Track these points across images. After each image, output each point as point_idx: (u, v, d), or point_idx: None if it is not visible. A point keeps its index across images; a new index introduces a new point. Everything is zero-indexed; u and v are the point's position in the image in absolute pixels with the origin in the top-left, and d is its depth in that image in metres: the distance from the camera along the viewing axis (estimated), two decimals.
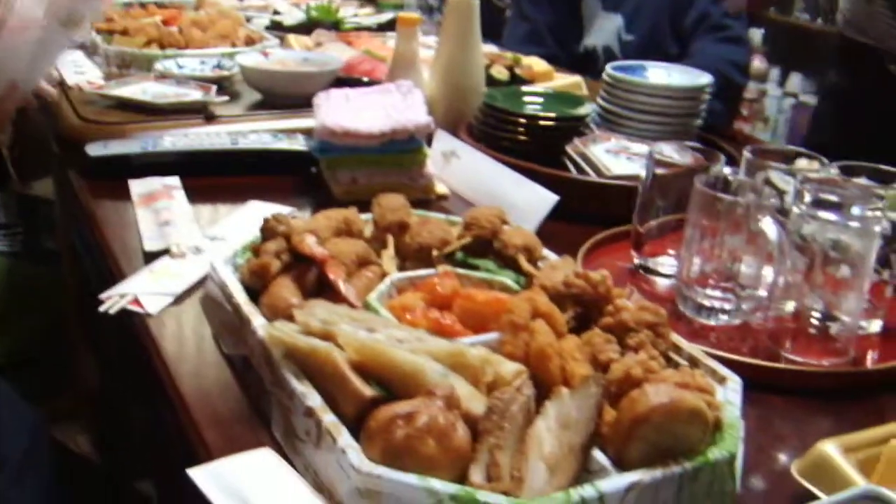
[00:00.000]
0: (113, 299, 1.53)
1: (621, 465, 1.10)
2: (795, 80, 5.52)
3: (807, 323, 1.51)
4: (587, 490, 1.04)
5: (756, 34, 5.59)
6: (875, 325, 1.64)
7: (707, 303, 1.60)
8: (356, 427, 1.10)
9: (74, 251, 2.63)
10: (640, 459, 1.10)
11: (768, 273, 1.55)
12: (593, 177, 2.05)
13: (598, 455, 1.11)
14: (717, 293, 1.60)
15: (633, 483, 1.07)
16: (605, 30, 3.41)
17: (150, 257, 1.68)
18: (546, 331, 1.22)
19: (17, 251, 3.09)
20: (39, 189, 3.34)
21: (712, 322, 1.60)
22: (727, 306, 1.60)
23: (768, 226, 1.50)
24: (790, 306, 1.51)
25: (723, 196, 1.54)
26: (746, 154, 1.71)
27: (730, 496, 1.17)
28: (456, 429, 1.06)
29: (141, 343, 1.47)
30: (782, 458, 1.29)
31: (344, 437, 1.07)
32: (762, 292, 1.57)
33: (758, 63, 5.58)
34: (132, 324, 1.51)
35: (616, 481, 1.07)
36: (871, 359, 1.59)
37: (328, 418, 1.10)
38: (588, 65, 3.32)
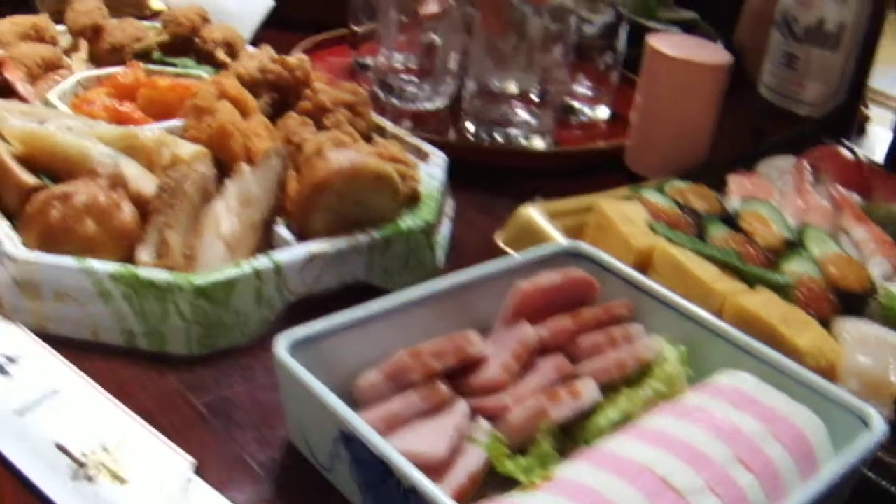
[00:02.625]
0: None
1: (305, 238, 1.05)
2: None
3: (522, 102, 1.47)
4: (261, 261, 0.98)
5: None
6: (602, 112, 1.62)
7: (406, 88, 1.56)
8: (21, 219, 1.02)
9: None
10: (325, 231, 1.05)
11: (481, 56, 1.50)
12: None
13: (282, 230, 1.06)
14: (412, 77, 1.56)
15: (314, 253, 1.02)
16: None
17: None
18: (230, 110, 1.15)
19: None
20: None
21: (412, 107, 1.56)
22: (424, 88, 1.55)
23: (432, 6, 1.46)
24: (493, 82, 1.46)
25: None
26: None
27: (428, 268, 1.12)
28: (120, 208, 0.99)
29: None
30: (490, 232, 1.24)
31: None
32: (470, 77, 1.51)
33: None
34: None
35: (294, 251, 1.01)
36: (595, 141, 1.57)
37: None
38: None
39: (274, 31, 1.74)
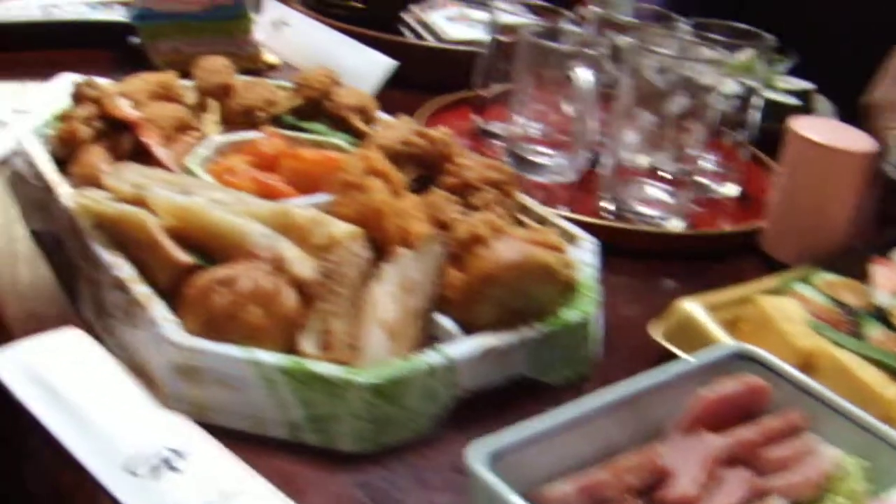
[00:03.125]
0: None
1: (469, 329, 1.01)
2: None
3: (650, 178, 1.44)
4: (434, 356, 0.94)
5: None
6: (731, 190, 1.58)
7: (538, 160, 1.52)
8: (173, 297, 0.98)
9: None
10: (490, 322, 1.01)
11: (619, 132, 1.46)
12: (432, 42, 1.94)
13: (444, 320, 1.02)
14: (546, 149, 1.52)
15: (484, 347, 0.98)
16: None
17: None
18: (381, 188, 1.11)
19: None
20: None
21: (544, 180, 1.51)
22: (559, 161, 1.51)
23: (580, 75, 1.42)
24: (635, 157, 1.42)
25: (543, 43, 1.46)
26: (594, 8, 1.61)
27: (586, 361, 1.09)
28: (283, 293, 0.95)
29: None
30: (643, 322, 1.20)
31: (157, 309, 0.96)
32: (607, 152, 1.47)
33: None
34: None
35: (465, 345, 0.98)
36: (726, 222, 1.53)
37: (139, 289, 0.98)
38: None
39: (393, 90, 1.70)
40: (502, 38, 1.61)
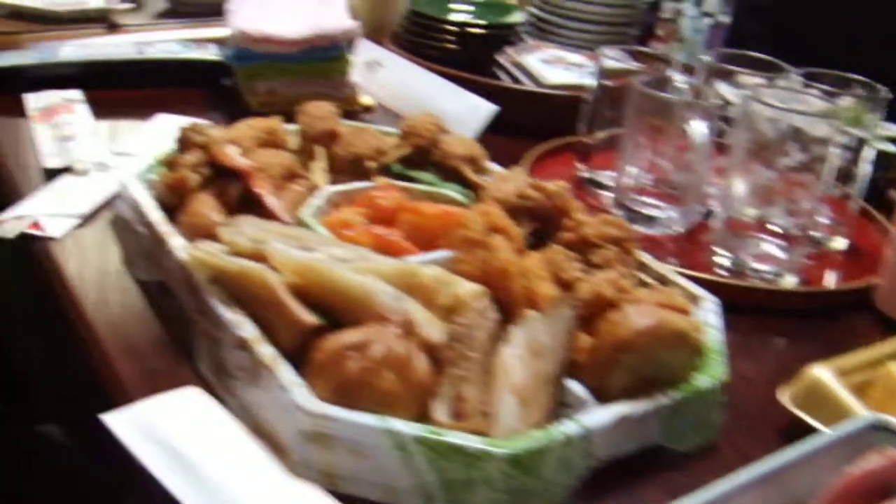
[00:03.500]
0: (9, 222, 1.36)
1: (601, 395, 0.98)
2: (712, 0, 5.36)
3: (762, 232, 1.40)
4: (570, 426, 0.92)
5: None
6: (840, 243, 1.54)
7: (648, 212, 1.48)
8: (295, 360, 0.96)
9: None
10: (623, 389, 0.98)
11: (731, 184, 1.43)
12: (531, 86, 1.91)
13: (575, 386, 0.99)
14: (655, 200, 1.48)
15: (620, 416, 0.96)
16: None
17: (51, 175, 1.51)
18: (506, 247, 1.08)
19: None
20: None
21: (651, 231, 1.48)
22: (670, 214, 1.48)
23: (696, 127, 1.39)
24: (746, 212, 1.39)
25: (654, 93, 1.43)
26: (706, 58, 1.58)
27: (714, 428, 1.06)
28: (416, 359, 0.93)
29: (42, 270, 1.31)
30: (763, 383, 1.17)
31: (285, 372, 0.93)
32: (719, 205, 1.44)
33: None
34: (31, 249, 1.34)
35: (601, 414, 0.95)
36: (837, 277, 1.50)
37: (265, 351, 0.96)
38: None
39: (490, 135, 1.68)
40: (608, 83, 1.58)
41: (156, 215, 1.20)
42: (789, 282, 1.39)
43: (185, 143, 1.31)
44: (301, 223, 1.19)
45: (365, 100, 1.91)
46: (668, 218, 1.46)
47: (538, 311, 1.02)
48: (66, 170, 1.52)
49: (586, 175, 1.64)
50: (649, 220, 1.47)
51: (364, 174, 1.35)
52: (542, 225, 1.22)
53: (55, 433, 2.15)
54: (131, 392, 1.04)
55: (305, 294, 1.00)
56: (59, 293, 1.26)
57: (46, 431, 2.16)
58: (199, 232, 1.16)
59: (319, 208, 1.23)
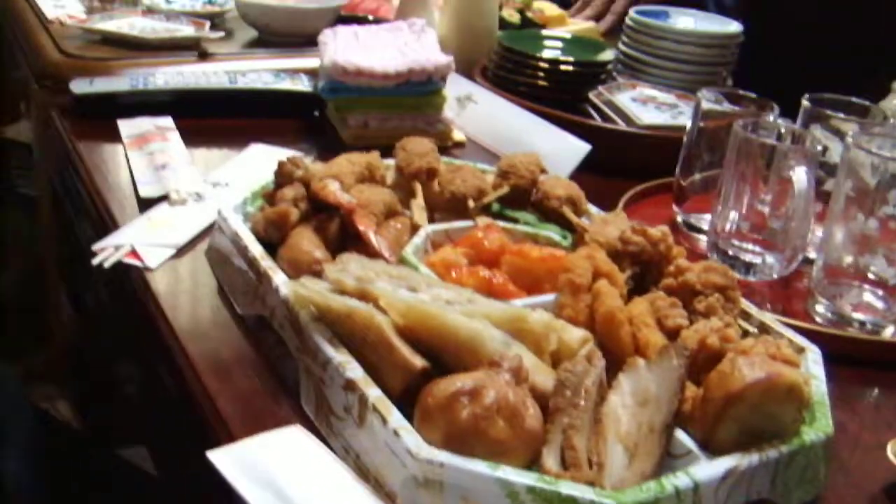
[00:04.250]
0: (107, 251, 1.36)
1: (708, 447, 0.97)
2: None
3: (862, 281, 1.38)
4: (681, 479, 0.90)
5: None
6: None
7: (746, 258, 1.47)
8: (402, 402, 0.95)
9: (55, 197, 2.45)
10: (731, 442, 0.97)
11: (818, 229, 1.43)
12: (624, 126, 1.90)
13: (682, 436, 0.97)
14: (753, 246, 1.47)
15: (730, 470, 0.94)
16: None
17: (146, 204, 1.52)
18: (613, 293, 1.08)
19: None
20: (12, 132, 3.16)
21: (748, 278, 1.46)
22: (768, 260, 1.46)
23: (799, 174, 1.37)
24: (845, 260, 1.37)
25: (757, 138, 1.42)
26: (805, 103, 1.56)
27: (821, 483, 1.04)
28: (527, 406, 0.92)
29: (139, 300, 1.31)
30: (866, 436, 1.16)
31: (395, 417, 0.92)
32: (818, 252, 1.42)
33: None
34: (128, 278, 1.35)
35: (711, 468, 0.93)
36: None
37: (373, 393, 0.95)
38: None
39: (584, 174, 1.67)
40: (705, 125, 1.56)
41: (257, 249, 1.20)
42: (889, 332, 1.36)
43: (284, 176, 1.31)
44: (403, 262, 1.19)
45: (457, 135, 1.91)
46: (767, 264, 1.44)
47: (646, 359, 1.00)
48: (161, 198, 1.52)
49: (681, 218, 1.63)
50: (747, 266, 1.45)
51: (464, 213, 1.35)
52: (643, 269, 1.21)
53: (137, 458, 2.16)
54: (232, 428, 1.04)
55: (413, 336, 1.00)
56: (155, 324, 1.26)
57: (129, 456, 2.17)
58: (301, 268, 1.16)
59: (420, 247, 1.23)
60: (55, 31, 2.26)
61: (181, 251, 1.40)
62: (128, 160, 1.67)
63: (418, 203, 1.36)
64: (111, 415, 2.37)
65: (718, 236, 1.47)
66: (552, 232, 1.32)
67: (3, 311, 2.76)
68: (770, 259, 1.44)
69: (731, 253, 1.46)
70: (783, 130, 1.47)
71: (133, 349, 1.67)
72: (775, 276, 1.45)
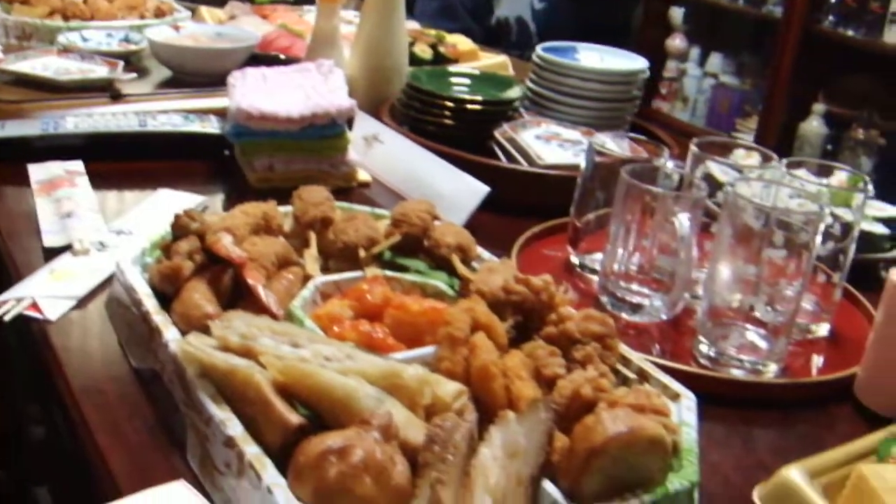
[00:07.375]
0: (9, 303, 1.39)
1: (575, 498, 1.00)
2: (715, 61, 5.39)
3: (746, 320, 1.42)
4: None
5: (677, 13, 5.45)
6: (823, 329, 1.56)
7: (634, 300, 1.51)
8: (281, 457, 0.99)
9: None
10: (596, 492, 1.00)
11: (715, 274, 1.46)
12: (524, 165, 1.94)
13: (549, 487, 1.01)
14: (641, 288, 1.51)
15: None
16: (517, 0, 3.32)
17: (51, 254, 1.54)
18: (488, 347, 1.11)
19: None
20: None
21: (636, 319, 1.51)
22: (653, 302, 1.50)
23: (682, 219, 1.42)
24: (729, 301, 1.41)
25: (641, 185, 1.45)
26: (693, 147, 1.60)
27: None
28: (395, 463, 0.96)
29: (39, 352, 1.34)
30: (741, 479, 1.20)
31: (269, 474, 0.96)
32: (703, 293, 1.46)
33: (678, 42, 5.44)
34: (29, 330, 1.37)
35: None
36: (818, 365, 1.52)
37: (251, 450, 0.99)
38: (501, 37, 3.21)
39: (483, 213, 1.72)
40: (600, 163, 1.60)
41: (151, 304, 1.23)
42: (771, 371, 1.40)
43: (180, 229, 1.34)
44: (291, 315, 1.22)
45: (362, 176, 1.94)
46: (654, 306, 1.48)
47: (517, 412, 1.04)
48: (65, 248, 1.55)
49: (576, 259, 1.67)
50: (634, 307, 1.49)
51: (355, 261, 1.38)
52: (526, 318, 1.25)
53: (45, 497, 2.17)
54: (120, 483, 1.07)
55: (292, 393, 1.04)
56: (54, 377, 1.28)
57: (37, 495, 2.18)
58: (192, 322, 1.19)
59: (308, 300, 1.27)
60: None
61: (82, 302, 1.42)
62: (35, 207, 1.69)
63: (311, 253, 1.39)
64: (23, 453, 2.38)
65: (608, 278, 1.51)
66: (440, 281, 1.35)
67: None
68: (657, 301, 1.48)
69: (619, 295, 1.50)
70: (671, 174, 1.51)
71: (37, 393, 1.69)
72: (663, 317, 1.50)
